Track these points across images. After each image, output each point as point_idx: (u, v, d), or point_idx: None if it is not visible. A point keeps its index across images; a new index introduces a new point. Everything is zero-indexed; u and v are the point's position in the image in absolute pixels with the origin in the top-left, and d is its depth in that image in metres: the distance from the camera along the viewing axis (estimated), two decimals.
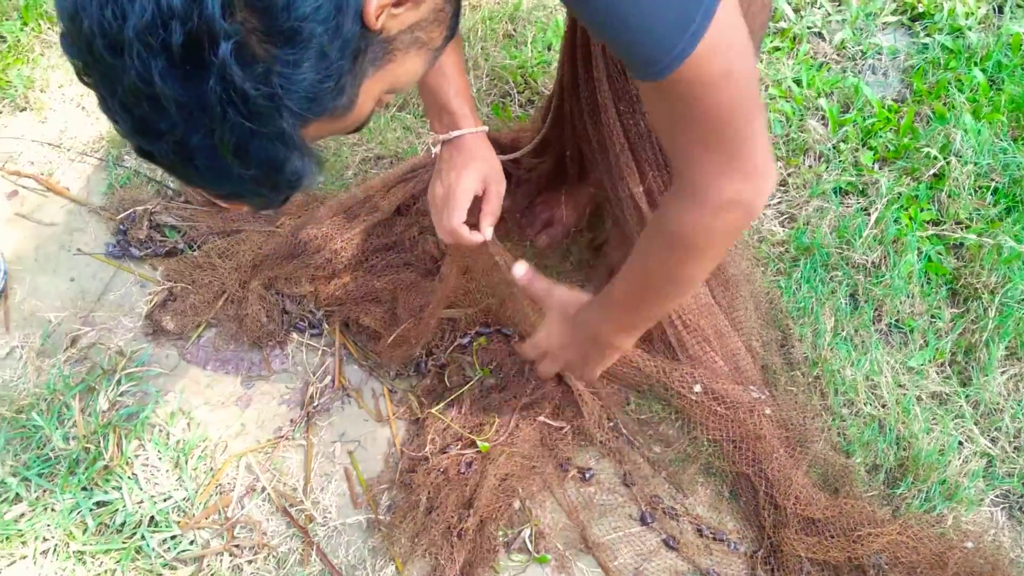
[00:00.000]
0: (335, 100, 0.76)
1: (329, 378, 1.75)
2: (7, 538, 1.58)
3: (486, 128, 1.50)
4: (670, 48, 0.90)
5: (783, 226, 1.84)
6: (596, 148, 1.48)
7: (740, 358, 1.61)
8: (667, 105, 1.01)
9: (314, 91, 0.73)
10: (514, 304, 1.72)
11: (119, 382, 1.72)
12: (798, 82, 2.01)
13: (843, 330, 1.70)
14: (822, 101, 1.96)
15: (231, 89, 0.69)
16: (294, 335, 1.80)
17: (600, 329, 1.46)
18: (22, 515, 1.60)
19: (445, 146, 1.49)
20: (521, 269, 1.52)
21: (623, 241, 1.74)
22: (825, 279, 1.75)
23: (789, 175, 1.89)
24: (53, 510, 1.59)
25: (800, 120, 1.95)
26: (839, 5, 2.15)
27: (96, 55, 0.69)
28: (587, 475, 1.64)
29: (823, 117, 1.96)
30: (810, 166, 1.91)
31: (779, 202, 1.87)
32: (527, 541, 1.58)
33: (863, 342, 1.69)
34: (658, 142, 1.41)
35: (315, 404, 1.72)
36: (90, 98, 2.07)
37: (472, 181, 1.46)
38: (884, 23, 2.11)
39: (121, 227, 1.89)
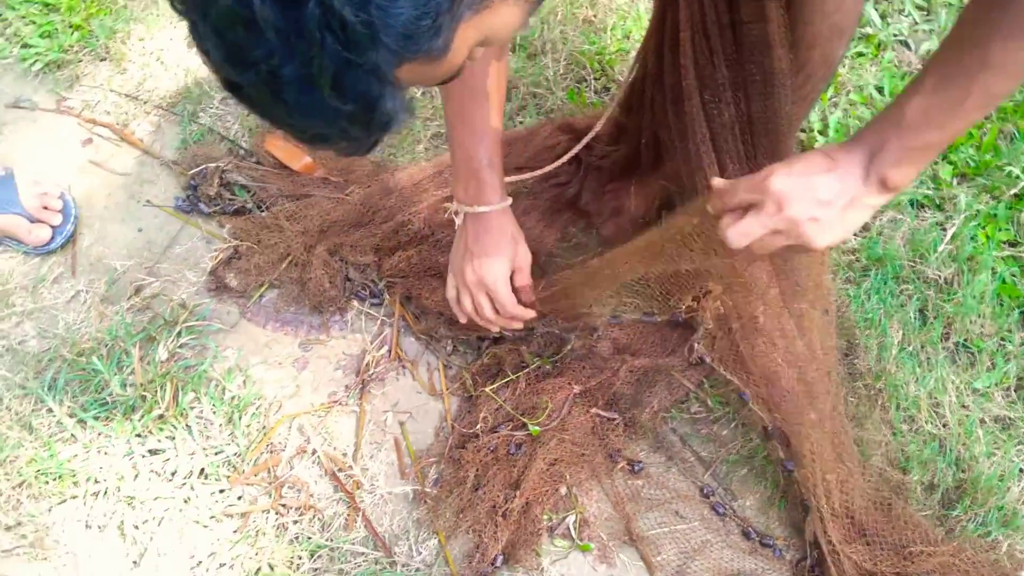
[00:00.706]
0: (431, 41, 0.73)
1: (386, 348, 1.75)
2: (60, 477, 1.60)
3: (510, 200, 1.52)
4: None
5: (855, 235, 1.81)
6: (676, 137, 1.46)
7: (803, 363, 1.59)
8: None
9: (411, 28, 0.71)
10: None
11: (179, 334, 1.73)
12: (880, 89, 1.97)
13: (909, 345, 1.67)
14: None
15: (330, 14, 0.66)
16: (354, 303, 1.80)
17: (876, 161, 1.03)
18: (75, 455, 1.62)
19: (469, 217, 1.51)
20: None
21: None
22: (895, 291, 1.72)
23: None
24: (106, 453, 1.61)
25: None
26: (927, 15, 2.11)
27: None
28: (636, 468, 1.62)
29: None
30: None
31: None
32: (571, 528, 1.57)
33: (929, 359, 1.66)
34: (743, 134, 1.39)
35: (370, 372, 1.72)
36: (169, 52, 2.09)
37: (504, 269, 1.53)
38: None
39: (192, 182, 1.91)
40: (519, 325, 1.61)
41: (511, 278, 1.55)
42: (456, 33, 0.77)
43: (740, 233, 1.10)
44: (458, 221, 1.54)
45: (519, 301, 1.57)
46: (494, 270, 1.52)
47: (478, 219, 1.50)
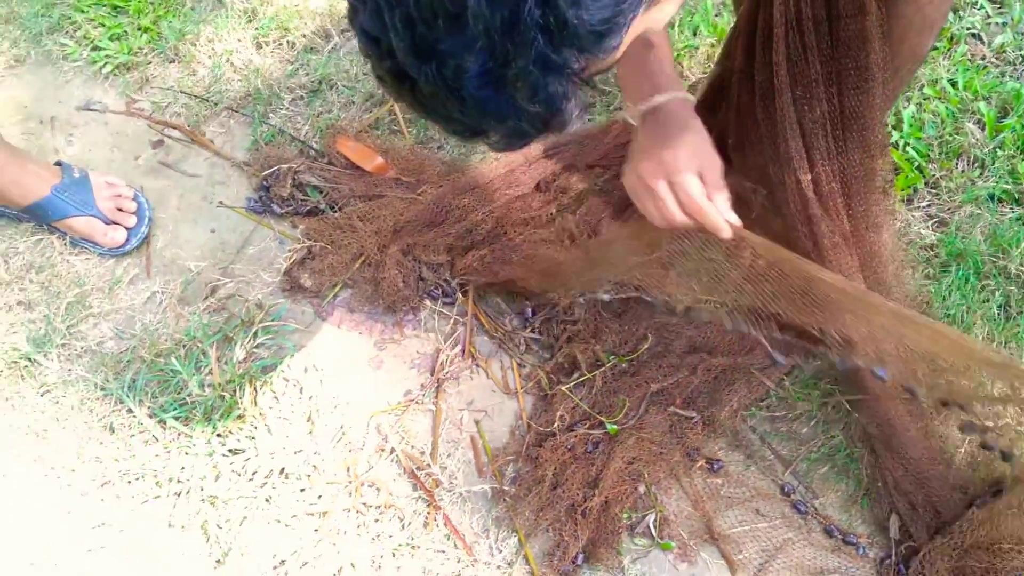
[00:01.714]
0: (613, 39, 0.72)
1: (459, 347, 1.76)
2: (142, 476, 1.62)
3: (692, 99, 1.37)
4: None
5: (933, 230, 1.79)
6: (765, 134, 1.45)
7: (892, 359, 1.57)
8: None
9: (603, 28, 0.70)
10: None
11: (256, 334, 1.75)
12: (954, 83, 1.95)
13: (994, 341, 1.64)
14: (980, 104, 1.89)
15: (552, 15, 0.65)
16: (427, 302, 1.81)
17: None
18: (156, 455, 1.64)
19: (647, 118, 1.36)
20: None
21: (768, 233, 1.71)
22: (977, 287, 1.70)
23: (941, 178, 1.84)
24: (187, 453, 1.63)
25: (955, 122, 1.89)
26: (1000, 7, 2.08)
27: None
28: (715, 466, 1.62)
29: (979, 121, 1.90)
30: (963, 171, 1.85)
31: (929, 205, 1.82)
32: (651, 526, 1.57)
33: (1012, 355, 1.64)
34: (835, 130, 1.38)
35: (445, 371, 1.73)
36: (238, 53, 2.10)
37: (692, 160, 1.31)
38: None
39: (264, 183, 1.92)
40: (722, 226, 1.31)
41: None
42: (630, 29, 0.76)
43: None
44: (634, 122, 1.39)
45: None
46: (680, 162, 1.30)
47: (655, 115, 1.34)
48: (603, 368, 1.69)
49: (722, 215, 1.31)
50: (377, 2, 0.68)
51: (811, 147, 1.40)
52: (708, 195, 1.30)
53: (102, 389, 1.70)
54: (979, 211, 1.79)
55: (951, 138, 1.87)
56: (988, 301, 1.69)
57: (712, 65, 1.99)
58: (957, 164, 1.86)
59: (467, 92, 0.70)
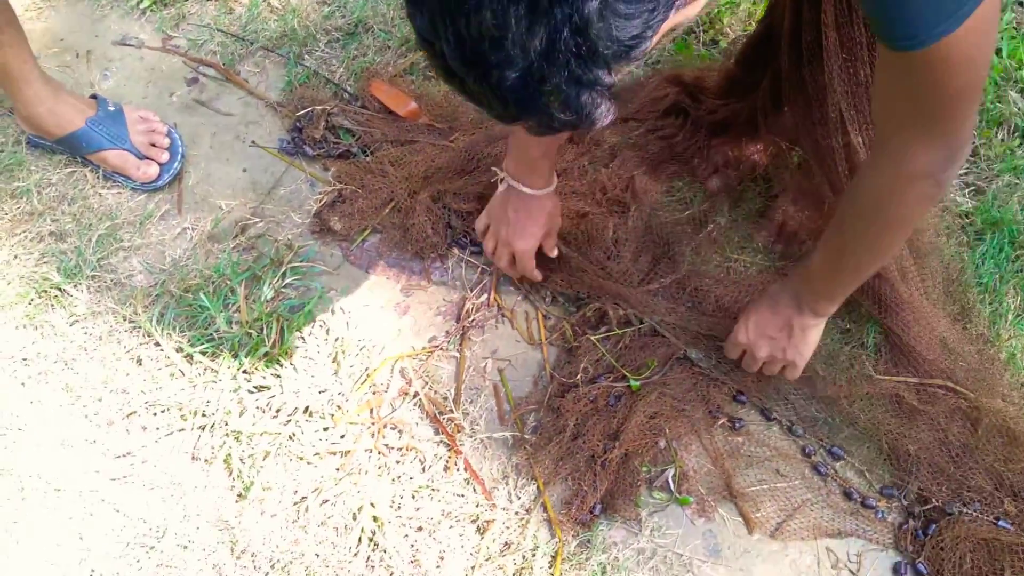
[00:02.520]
0: (642, 48, 0.75)
1: (485, 296, 1.76)
2: (167, 409, 1.64)
3: (555, 184, 1.63)
4: (935, 24, 0.91)
5: (969, 198, 1.77)
6: (812, 95, 1.44)
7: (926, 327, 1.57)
8: (903, 76, 1.03)
9: (634, 42, 0.73)
10: None
11: (284, 274, 1.75)
12: (998, 52, 1.91)
13: None
14: None
15: (585, 44, 0.70)
16: (455, 250, 1.81)
17: (800, 300, 1.47)
18: (182, 389, 1.65)
19: (512, 189, 1.61)
20: None
21: (802, 193, 1.70)
22: (1011, 257, 1.68)
23: (980, 146, 1.81)
24: (213, 388, 1.64)
25: (997, 90, 1.86)
26: None
27: None
28: (737, 425, 1.62)
29: (1023, 90, 1.87)
30: (1003, 140, 1.82)
31: (967, 172, 1.80)
32: (670, 481, 1.57)
33: None
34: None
35: (471, 319, 1.73)
36: None
37: (534, 242, 1.65)
38: None
39: (297, 124, 1.92)
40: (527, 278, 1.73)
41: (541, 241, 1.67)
42: (658, 33, 0.79)
43: (747, 367, 1.61)
44: (501, 187, 1.64)
45: (541, 259, 1.70)
46: (525, 241, 1.64)
47: (521, 195, 1.61)
48: (632, 327, 1.69)
49: (533, 278, 1.72)
50: (432, 15, 0.73)
51: (858, 110, 1.39)
52: (545, 247, 1.68)
53: (130, 322, 1.71)
54: (1017, 181, 1.77)
55: (992, 106, 1.84)
56: (1022, 271, 1.67)
57: (754, 24, 1.96)
58: (997, 133, 1.83)
59: (508, 96, 0.75)
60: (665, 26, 0.79)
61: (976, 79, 1.01)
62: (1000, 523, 1.48)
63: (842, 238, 1.32)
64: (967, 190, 1.78)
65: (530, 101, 0.76)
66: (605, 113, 0.80)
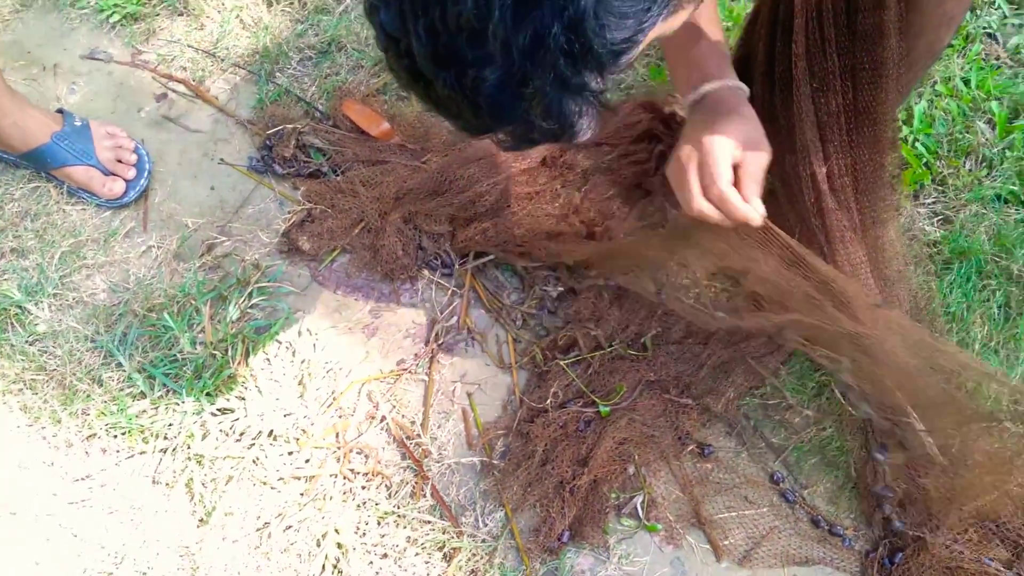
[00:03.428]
0: (631, 54, 0.72)
1: (455, 319, 1.74)
2: (128, 432, 1.60)
3: (745, 89, 1.32)
4: None
5: (938, 227, 1.78)
6: (783, 125, 1.44)
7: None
8: None
9: (625, 46, 0.70)
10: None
11: (251, 294, 1.73)
12: (967, 82, 1.93)
13: (992, 340, 1.64)
14: (992, 104, 1.88)
15: (578, 40, 0.66)
16: (426, 272, 1.79)
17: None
18: (144, 411, 1.62)
19: (695, 107, 1.32)
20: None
21: (778, 217, 1.70)
22: (979, 286, 1.69)
23: (948, 175, 1.82)
24: (175, 410, 1.62)
25: (966, 121, 1.88)
26: (1017, 8, 2.06)
27: None
28: (706, 451, 1.61)
29: (990, 121, 1.88)
30: (971, 169, 1.84)
31: (935, 202, 1.81)
32: (639, 507, 1.56)
33: (1010, 356, 1.63)
34: (850, 123, 1.37)
35: (440, 342, 1.71)
36: (249, 9, 2.07)
37: (728, 144, 1.24)
38: None
39: (267, 142, 1.90)
40: (745, 215, 1.24)
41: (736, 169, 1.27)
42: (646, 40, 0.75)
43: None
44: (694, 112, 1.33)
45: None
46: (715, 143, 1.24)
47: (703, 104, 1.30)
48: (603, 351, 1.68)
49: (745, 206, 1.24)
50: (401, 6, 0.68)
51: (826, 140, 1.39)
52: (741, 182, 1.25)
53: (92, 341, 1.68)
54: (984, 211, 1.78)
55: (961, 136, 1.86)
56: (989, 300, 1.68)
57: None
58: (965, 163, 1.85)
59: (482, 100, 0.70)
60: (652, 33, 0.77)
61: None
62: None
63: None
64: (935, 219, 1.79)
65: (508, 107, 0.71)
66: (588, 126, 0.75)
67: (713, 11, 1.36)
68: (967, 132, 1.86)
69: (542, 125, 0.73)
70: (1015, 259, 1.70)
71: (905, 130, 1.86)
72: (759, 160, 1.26)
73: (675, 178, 1.32)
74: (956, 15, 1.36)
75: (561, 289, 1.74)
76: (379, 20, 0.71)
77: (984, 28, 2.03)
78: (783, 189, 1.54)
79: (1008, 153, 1.84)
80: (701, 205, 1.26)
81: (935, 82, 1.93)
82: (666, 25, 0.79)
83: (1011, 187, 1.80)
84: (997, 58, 2.00)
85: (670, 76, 1.39)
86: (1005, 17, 2.05)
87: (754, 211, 1.24)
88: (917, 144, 1.85)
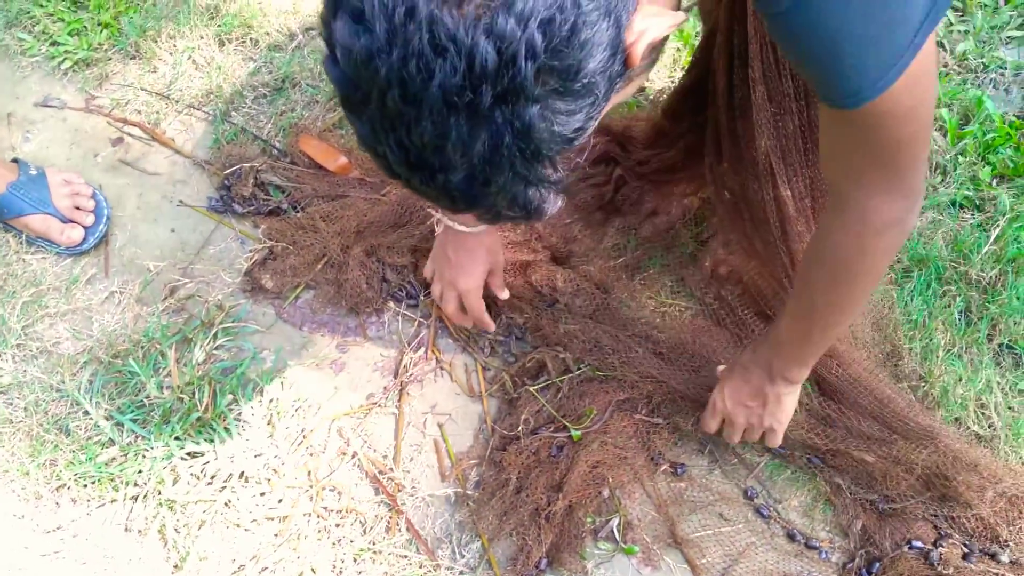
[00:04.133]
0: (584, 136, 0.77)
1: (423, 349, 1.74)
2: (98, 481, 1.59)
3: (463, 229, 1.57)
4: (874, 81, 0.90)
5: None
6: (744, 148, 1.45)
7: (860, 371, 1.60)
8: (849, 131, 1.02)
9: (577, 134, 0.75)
10: None
11: (216, 336, 1.72)
12: None
13: (955, 346, 1.66)
14: (943, 111, 1.91)
15: (528, 148, 0.71)
16: (391, 304, 1.79)
17: (772, 369, 1.42)
18: (113, 459, 1.61)
19: (448, 229, 1.59)
20: None
21: (732, 237, 1.72)
22: (939, 293, 1.71)
23: None
24: (145, 456, 1.60)
25: None
26: (963, 15, 2.09)
27: (387, 102, 0.70)
28: (679, 470, 1.61)
29: (941, 128, 1.91)
30: (925, 177, 1.86)
31: None
32: (615, 530, 1.56)
33: (973, 360, 1.65)
34: (805, 143, 1.39)
35: (408, 374, 1.71)
36: (201, 50, 2.07)
37: (478, 280, 1.63)
38: (1009, 37, 2.05)
39: (226, 182, 1.89)
40: (478, 327, 1.73)
41: (486, 281, 1.66)
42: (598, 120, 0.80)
43: (727, 438, 1.57)
44: (438, 229, 1.63)
45: (492, 301, 1.70)
46: (469, 279, 1.62)
47: (457, 234, 1.57)
48: (571, 374, 1.68)
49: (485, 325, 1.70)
50: (372, 124, 0.73)
51: (787, 162, 1.40)
52: (494, 286, 1.68)
53: (57, 391, 1.67)
54: (941, 217, 1.81)
55: None
56: (949, 306, 1.70)
57: (680, 72, 1.99)
58: None
59: (458, 195, 0.76)
60: (605, 111, 0.80)
61: (925, 123, 1.01)
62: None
63: (810, 300, 1.28)
64: None
65: (478, 197, 0.76)
66: (553, 205, 0.81)
67: None
68: None
69: (509, 214, 0.79)
70: (972, 264, 1.72)
71: None
72: (498, 274, 1.70)
73: (432, 290, 1.72)
74: None
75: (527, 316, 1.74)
76: (357, 131, 0.77)
77: None
78: (748, 213, 1.56)
79: (961, 159, 1.87)
80: (456, 320, 1.73)
81: None
82: (618, 98, 0.83)
83: (965, 192, 1.83)
84: (945, 65, 2.03)
85: None
86: (951, 24, 2.08)
87: (490, 325, 1.73)
88: None
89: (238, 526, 1.55)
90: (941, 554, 1.48)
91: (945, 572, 1.46)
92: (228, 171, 1.89)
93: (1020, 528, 1.50)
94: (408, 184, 0.79)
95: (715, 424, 1.57)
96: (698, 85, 1.54)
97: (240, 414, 1.65)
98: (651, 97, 1.98)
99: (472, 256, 1.61)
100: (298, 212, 1.86)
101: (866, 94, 0.91)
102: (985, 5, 2.08)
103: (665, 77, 2.02)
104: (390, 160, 0.76)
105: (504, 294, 1.70)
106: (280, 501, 1.58)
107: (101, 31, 2.11)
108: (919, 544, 1.50)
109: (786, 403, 1.47)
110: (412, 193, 0.82)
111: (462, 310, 1.68)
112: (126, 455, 1.61)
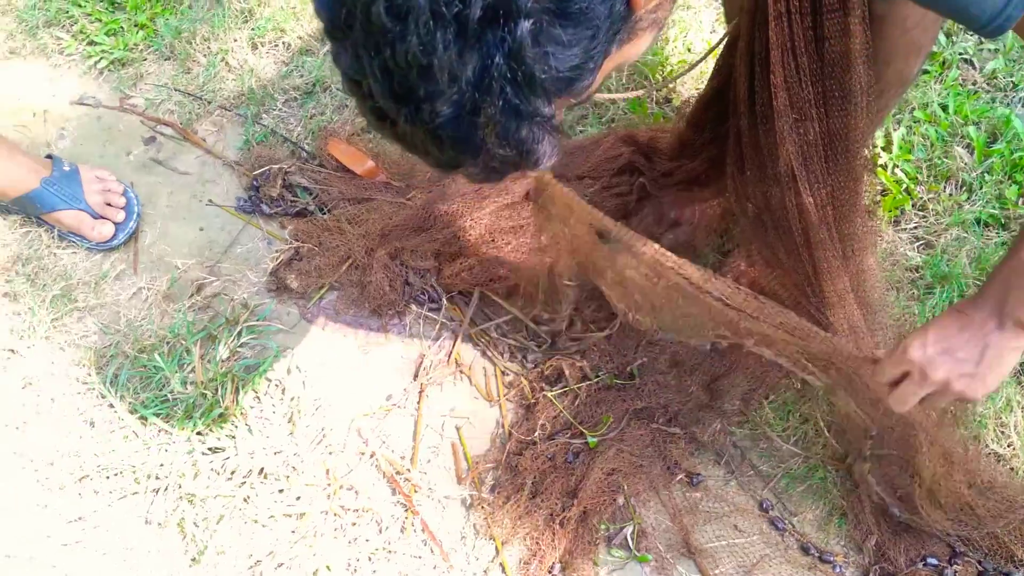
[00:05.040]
0: (584, 81, 0.74)
1: (443, 353, 1.76)
2: (120, 472, 1.61)
3: None
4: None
5: (919, 252, 1.80)
6: (767, 155, 1.45)
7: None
8: None
9: (575, 73, 0.72)
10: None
11: (240, 334, 1.75)
12: (944, 107, 1.96)
13: None
14: (970, 129, 1.90)
15: (520, 69, 0.68)
16: (413, 307, 1.81)
17: (1005, 307, 1.12)
18: (136, 452, 1.63)
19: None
20: None
21: (756, 250, 1.72)
22: None
23: (929, 200, 1.85)
24: (167, 450, 1.63)
25: (944, 146, 1.90)
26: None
27: (371, 17, 0.68)
28: (695, 480, 1.62)
29: (969, 145, 1.91)
30: (951, 194, 1.86)
31: (916, 227, 1.83)
32: (629, 538, 1.57)
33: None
34: (826, 151, 1.39)
35: (428, 377, 1.73)
36: (234, 53, 2.10)
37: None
38: None
39: (255, 183, 1.92)
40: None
41: None
42: (602, 69, 0.78)
43: (898, 400, 1.23)
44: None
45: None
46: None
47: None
48: (589, 382, 1.69)
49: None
50: (356, 49, 0.71)
51: (808, 169, 1.40)
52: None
53: (84, 383, 1.70)
54: (965, 235, 1.80)
55: (940, 161, 1.88)
56: None
57: (705, 82, 1.99)
58: (945, 187, 1.87)
59: (442, 133, 0.73)
60: (608, 64, 0.79)
61: None
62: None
63: None
64: (917, 244, 1.81)
65: (466, 138, 0.73)
66: (548, 151, 0.77)
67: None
68: (946, 157, 1.89)
69: (500, 153, 0.75)
70: None
71: (885, 156, 1.88)
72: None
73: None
74: (924, 44, 1.37)
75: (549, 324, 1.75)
76: (341, 65, 0.74)
77: (960, 54, 2.06)
78: (770, 223, 1.55)
79: (987, 177, 1.86)
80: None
81: (913, 108, 1.96)
82: (624, 54, 0.81)
83: (991, 210, 1.82)
84: (974, 83, 2.02)
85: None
86: (981, 43, 2.07)
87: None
88: (897, 170, 1.88)
89: (256, 522, 1.57)
90: (955, 571, 1.48)
91: None
92: (257, 172, 1.92)
93: None
94: (395, 131, 0.75)
95: (894, 373, 1.24)
96: (721, 94, 1.55)
97: (262, 411, 1.67)
98: (677, 108, 1.99)
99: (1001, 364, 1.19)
100: (325, 214, 1.88)
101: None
102: None
103: (691, 88, 2.03)
104: (376, 95, 0.72)
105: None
106: (298, 498, 1.59)
107: (137, 32, 2.15)
108: (934, 561, 1.50)
109: (1007, 360, 1.16)
110: (400, 145, 0.78)
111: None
112: (149, 448, 1.63)
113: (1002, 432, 1.60)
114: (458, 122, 0.71)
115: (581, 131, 2.00)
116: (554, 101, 0.74)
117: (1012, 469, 1.57)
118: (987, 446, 1.59)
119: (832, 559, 1.55)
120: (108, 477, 1.61)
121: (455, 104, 0.70)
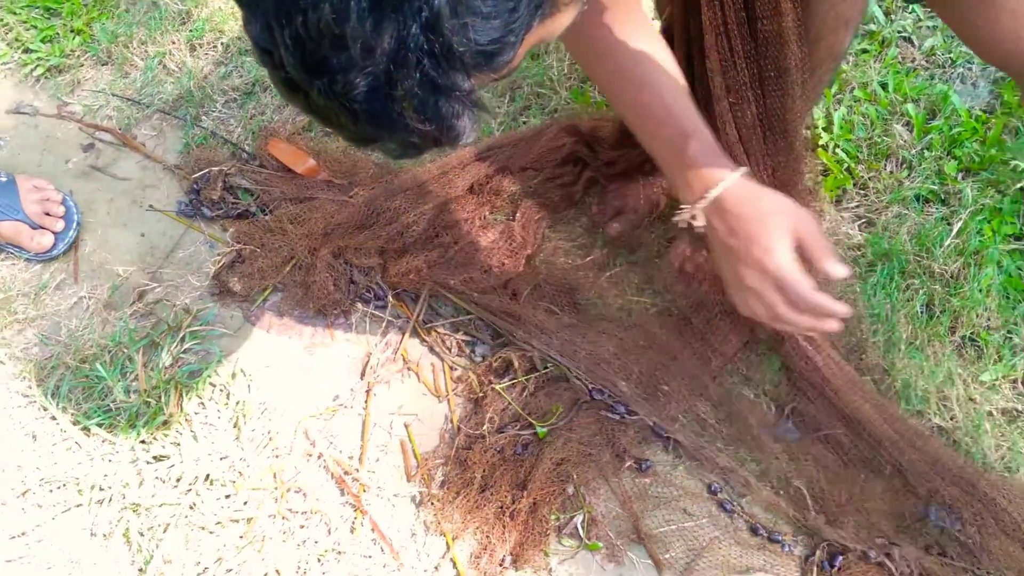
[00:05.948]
0: (504, 56, 0.72)
1: (391, 350, 1.75)
2: (63, 485, 1.59)
3: (746, 168, 1.25)
4: None
5: (861, 230, 1.80)
6: None
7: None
8: None
9: (494, 47, 0.70)
10: None
11: (183, 339, 1.73)
12: (884, 86, 1.97)
13: (917, 339, 1.66)
14: (909, 106, 1.91)
15: (437, 40, 0.66)
16: (359, 305, 1.79)
17: None
18: (79, 463, 1.61)
19: (711, 212, 1.25)
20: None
21: (698, 236, 1.72)
22: (901, 286, 1.71)
23: (870, 179, 1.85)
24: (111, 460, 1.61)
25: (884, 124, 1.91)
26: (931, 11, 2.10)
27: None
28: (643, 466, 1.62)
29: (908, 123, 1.91)
30: (891, 172, 1.87)
31: (858, 206, 1.83)
32: (579, 527, 1.56)
33: (936, 353, 1.65)
34: (764, 132, 1.39)
35: (375, 375, 1.72)
36: (172, 56, 2.08)
37: (786, 247, 1.19)
38: None
39: (195, 186, 1.90)
40: (834, 325, 1.25)
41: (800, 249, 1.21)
42: (524, 43, 0.76)
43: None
44: (699, 224, 1.27)
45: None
46: (773, 253, 1.19)
47: (722, 206, 1.22)
48: (538, 373, 1.69)
49: (838, 306, 1.21)
50: (267, 18, 0.68)
51: (749, 152, 1.41)
52: (816, 261, 1.20)
53: (25, 396, 1.67)
54: (906, 211, 1.81)
55: (880, 140, 1.89)
56: (912, 300, 1.70)
57: None
58: (885, 165, 1.88)
59: (357, 107, 0.70)
60: (530, 38, 0.77)
61: None
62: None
63: None
64: (858, 223, 1.82)
65: (383, 112, 0.71)
66: (468, 126, 0.75)
67: (675, 74, 1.30)
68: (886, 135, 1.89)
69: (419, 128, 0.73)
70: (935, 257, 1.72)
71: (825, 136, 1.89)
72: (814, 231, 1.21)
73: (759, 311, 1.26)
74: (852, 17, 1.38)
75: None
76: (251, 33, 0.72)
77: (899, 32, 2.07)
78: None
79: (926, 153, 1.87)
80: (803, 323, 1.24)
81: (853, 88, 1.97)
82: (546, 29, 0.79)
83: (931, 186, 1.83)
84: (912, 61, 2.03)
85: (670, 184, 1.30)
86: (919, 20, 2.08)
87: (843, 307, 1.22)
88: (838, 150, 1.88)
89: (203, 528, 1.55)
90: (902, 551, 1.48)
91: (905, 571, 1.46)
92: (197, 175, 1.90)
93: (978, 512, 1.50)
94: (309, 103, 0.73)
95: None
96: None
97: (206, 417, 1.65)
98: None
99: (758, 218, 1.21)
100: (266, 215, 1.87)
101: None
102: None
103: None
104: (287, 66, 0.70)
105: (841, 270, 1.20)
106: (245, 503, 1.58)
107: (74, 38, 2.13)
108: (881, 539, 1.50)
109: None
110: (314, 118, 0.76)
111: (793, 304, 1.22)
112: (92, 459, 1.61)
113: (944, 406, 1.61)
114: (374, 95, 0.69)
115: (524, 122, 1.99)
116: (473, 75, 0.72)
117: (955, 442, 1.57)
118: (930, 420, 1.60)
119: (781, 538, 1.55)
120: (51, 490, 1.59)
121: (370, 76, 0.68)
